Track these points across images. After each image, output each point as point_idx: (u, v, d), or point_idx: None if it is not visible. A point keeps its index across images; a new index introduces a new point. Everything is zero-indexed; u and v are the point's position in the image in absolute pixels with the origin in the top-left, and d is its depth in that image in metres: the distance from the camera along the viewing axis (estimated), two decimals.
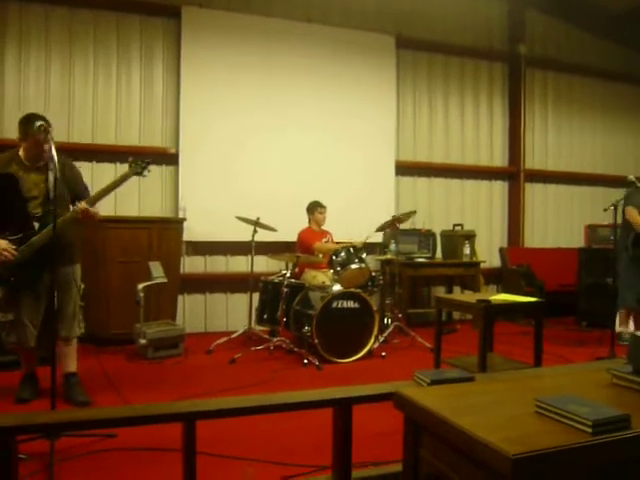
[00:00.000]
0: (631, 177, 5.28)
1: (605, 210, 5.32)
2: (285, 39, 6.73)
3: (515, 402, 1.77)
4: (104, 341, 5.43)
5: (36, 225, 3.51)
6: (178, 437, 2.19)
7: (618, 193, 5.79)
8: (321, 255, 6.04)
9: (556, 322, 6.63)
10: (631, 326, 5.90)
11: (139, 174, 3.67)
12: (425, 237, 7.04)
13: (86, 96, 6.14)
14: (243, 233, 5.83)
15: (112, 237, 5.45)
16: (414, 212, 6.33)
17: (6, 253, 3.40)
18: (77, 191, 3.74)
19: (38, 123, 3.23)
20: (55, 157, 2.94)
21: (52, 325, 3.16)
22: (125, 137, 6.27)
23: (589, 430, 1.48)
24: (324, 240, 6.26)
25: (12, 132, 5.53)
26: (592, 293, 5.94)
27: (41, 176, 3.53)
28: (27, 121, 3.46)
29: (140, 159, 3.69)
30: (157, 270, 5.21)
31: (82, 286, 3.94)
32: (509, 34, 8.06)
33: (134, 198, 6.16)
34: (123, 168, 6.09)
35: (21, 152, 3.59)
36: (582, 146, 8.61)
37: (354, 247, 5.56)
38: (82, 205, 3.51)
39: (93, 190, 3.75)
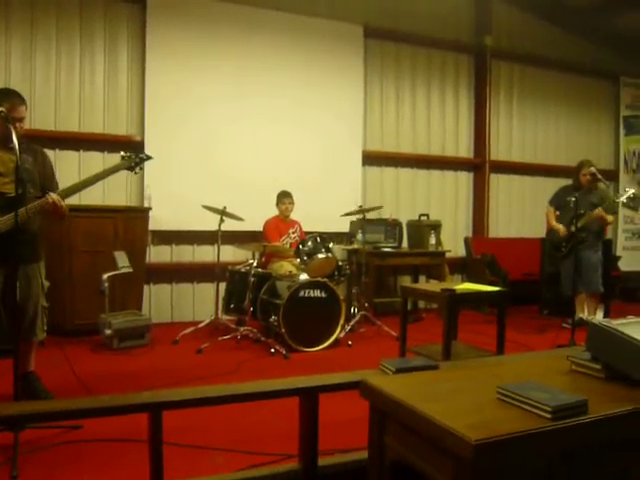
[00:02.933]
0: (592, 169, 5.42)
1: (568, 200, 5.45)
2: (253, 27, 6.67)
3: (477, 389, 1.81)
4: (68, 332, 5.35)
5: None
6: (144, 428, 2.18)
7: None
8: (288, 245, 6.07)
9: (519, 310, 6.76)
10: (599, 315, 6.12)
11: (131, 169, 3.52)
12: (391, 227, 7.09)
13: (48, 82, 5.99)
14: (210, 222, 5.79)
15: (76, 226, 5.36)
16: (380, 207, 6.40)
17: None
18: (46, 182, 3.53)
19: None
20: (16, 142, 2.85)
21: (16, 319, 3.03)
22: (89, 124, 6.15)
23: (548, 416, 1.53)
24: (291, 230, 6.27)
25: None
26: (553, 282, 6.07)
27: (11, 156, 3.23)
28: None
29: (134, 154, 3.55)
30: (122, 260, 5.15)
31: (47, 285, 3.66)
32: (476, 26, 8.12)
33: (99, 186, 5.97)
34: (87, 155, 6.10)
35: None
36: (546, 138, 8.75)
37: (322, 237, 5.58)
38: (54, 196, 3.28)
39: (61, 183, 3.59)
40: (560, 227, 5.97)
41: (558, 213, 6.10)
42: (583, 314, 5.99)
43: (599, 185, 5.93)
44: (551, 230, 6.17)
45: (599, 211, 5.66)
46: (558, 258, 6.09)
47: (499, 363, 2.59)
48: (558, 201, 6.14)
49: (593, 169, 5.59)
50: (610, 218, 5.86)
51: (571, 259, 5.82)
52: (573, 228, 5.73)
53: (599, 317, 5.88)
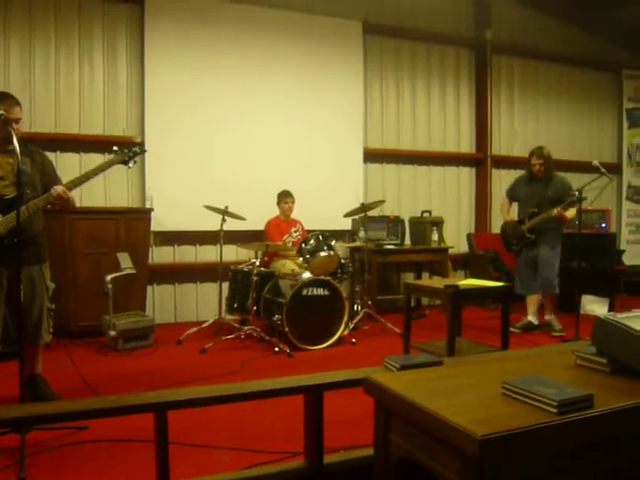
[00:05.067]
0: (595, 162, 5.36)
1: (584, 199, 5.40)
2: (252, 25, 6.66)
3: (482, 385, 1.81)
4: (72, 333, 5.36)
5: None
6: (150, 428, 2.18)
7: (583, 179, 5.90)
8: (290, 244, 6.07)
9: (523, 306, 6.74)
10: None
11: (124, 163, 3.51)
12: (394, 224, 7.08)
13: (47, 84, 5.99)
14: (212, 222, 5.79)
15: (78, 228, 5.37)
16: (383, 201, 6.38)
17: None
18: (49, 179, 3.52)
19: None
20: (16, 145, 2.84)
21: (21, 321, 2.98)
22: (89, 126, 6.14)
23: (554, 410, 1.52)
24: (293, 229, 6.27)
25: None
26: (558, 277, 6.03)
27: (8, 159, 3.30)
28: None
29: (127, 147, 3.54)
30: (125, 261, 5.16)
31: (53, 286, 3.66)
32: (476, 20, 8.09)
33: (100, 188, 6.06)
34: (87, 158, 6.10)
35: None
36: (548, 132, 8.71)
37: (324, 235, 5.57)
38: (59, 188, 3.29)
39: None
40: (507, 219, 5.84)
41: (513, 204, 5.99)
42: (533, 317, 5.80)
43: (555, 175, 5.66)
44: (503, 224, 6.00)
45: (557, 212, 5.35)
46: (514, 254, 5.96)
47: (504, 358, 2.59)
48: (512, 193, 5.98)
49: (596, 162, 5.46)
50: (572, 213, 5.43)
51: (524, 257, 5.74)
52: (525, 227, 5.64)
53: (554, 318, 5.71)
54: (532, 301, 5.84)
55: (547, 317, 5.78)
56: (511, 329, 5.60)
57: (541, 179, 5.65)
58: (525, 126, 8.58)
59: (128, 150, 3.53)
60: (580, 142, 8.89)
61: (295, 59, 6.92)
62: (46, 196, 3.32)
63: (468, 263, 7.99)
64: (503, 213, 5.99)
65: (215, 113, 6.51)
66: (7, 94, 3.43)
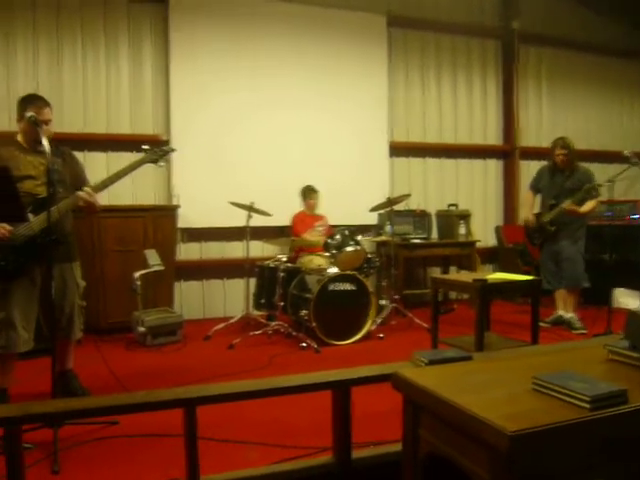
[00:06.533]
0: (626, 152, 5.25)
1: (600, 186, 5.32)
2: (275, 21, 6.66)
3: (512, 380, 1.78)
4: (102, 330, 5.44)
5: (31, 216, 3.27)
6: (179, 423, 2.20)
7: (614, 169, 5.79)
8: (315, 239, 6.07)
9: (553, 300, 6.66)
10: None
11: (154, 162, 3.56)
12: (420, 218, 7.04)
13: (75, 84, 6.07)
14: (238, 218, 5.81)
15: (107, 226, 5.45)
16: (409, 195, 6.33)
17: (1, 230, 3.12)
18: (78, 180, 3.58)
19: (29, 114, 3.17)
20: (46, 147, 2.89)
21: (53, 317, 3.08)
22: (116, 125, 6.21)
23: (587, 406, 1.49)
24: (317, 224, 6.27)
25: (1, 122, 5.52)
26: (588, 270, 5.94)
27: (41, 159, 3.31)
28: (23, 102, 3.35)
29: (157, 147, 3.60)
30: (153, 258, 5.21)
31: (83, 284, 3.71)
32: (502, 10, 7.99)
33: (127, 187, 6.10)
34: (115, 157, 6.16)
35: (19, 135, 3.43)
36: (576, 122, 8.57)
37: (350, 230, 5.56)
38: (86, 191, 3.33)
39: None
40: (529, 218, 5.68)
41: (539, 196, 5.83)
42: (564, 311, 5.67)
43: (578, 166, 5.57)
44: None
45: (568, 205, 5.30)
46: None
47: (534, 353, 2.55)
48: (536, 184, 5.84)
49: (627, 152, 5.33)
50: (589, 205, 5.39)
51: (547, 251, 5.64)
52: (546, 220, 5.51)
53: (574, 316, 5.59)
54: (561, 295, 5.73)
55: (567, 315, 5.63)
56: (541, 323, 5.56)
57: (564, 170, 5.56)
58: (554, 116, 8.44)
59: (158, 149, 3.58)
60: (611, 132, 8.72)
61: (319, 53, 6.90)
62: (73, 198, 3.36)
63: (496, 256, 7.90)
64: (523, 207, 5.84)
65: (240, 109, 6.53)
66: (37, 96, 3.49)
